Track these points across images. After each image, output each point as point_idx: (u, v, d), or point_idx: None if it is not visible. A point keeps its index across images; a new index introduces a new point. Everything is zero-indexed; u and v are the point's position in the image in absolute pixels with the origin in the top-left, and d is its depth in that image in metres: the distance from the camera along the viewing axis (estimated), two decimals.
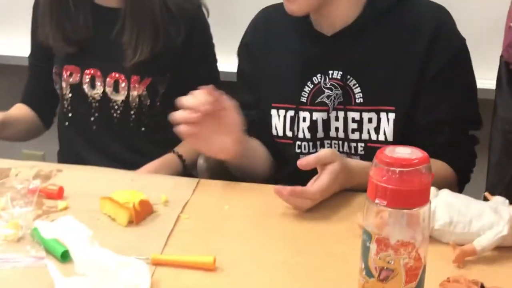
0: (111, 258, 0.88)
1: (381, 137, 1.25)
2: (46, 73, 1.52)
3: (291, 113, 1.33)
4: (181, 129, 1.11)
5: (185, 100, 1.11)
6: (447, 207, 1.02)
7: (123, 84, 1.46)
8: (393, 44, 1.25)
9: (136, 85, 1.44)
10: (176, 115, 1.11)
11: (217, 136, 1.15)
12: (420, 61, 1.23)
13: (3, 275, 0.93)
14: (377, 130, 1.25)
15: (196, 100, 1.10)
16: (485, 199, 1.07)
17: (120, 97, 1.46)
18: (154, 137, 1.50)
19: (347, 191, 1.21)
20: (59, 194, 1.18)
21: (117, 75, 1.44)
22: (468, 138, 1.28)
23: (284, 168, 1.37)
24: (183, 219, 1.12)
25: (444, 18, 1.26)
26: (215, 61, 1.57)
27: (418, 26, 1.24)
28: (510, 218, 0.98)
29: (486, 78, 1.51)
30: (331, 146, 1.33)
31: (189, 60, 1.46)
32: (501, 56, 1.32)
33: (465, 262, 0.96)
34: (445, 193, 1.07)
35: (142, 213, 1.10)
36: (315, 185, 1.07)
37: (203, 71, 1.48)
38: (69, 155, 1.52)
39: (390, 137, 1.25)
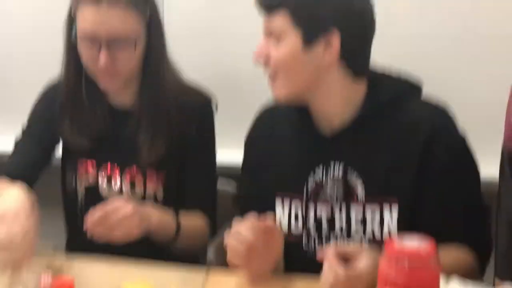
0: None
1: (385, 231, 1.20)
2: (42, 149, 1.45)
3: (295, 202, 1.30)
4: (230, 259, 1.11)
5: (238, 227, 1.11)
6: None
7: (138, 180, 1.42)
8: (391, 142, 1.22)
9: (152, 180, 1.41)
10: (229, 242, 1.11)
11: (259, 259, 1.13)
12: (419, 158, 1.19)
13: None
14: (381, 224, 1.21)
15: (248, 228, 1.10)
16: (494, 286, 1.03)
17: (136, 194, 1.42)
18: None
19: None
20: (69, 287, 1.16)
21: (133, 171, 1.42)
22: (480, 216, 1.22)
23: (290, 266, 1.30)
24: None
25: (441, 120, 1.23)
26: (215, 155, 1.52)
27: (416, 126, 1.21)
28: None
29: (487, 169, 1.52)
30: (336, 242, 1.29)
31: (193, 152, 1.44)
32: (503, 148, 1.32)
33: None
34: (455, 283, 1.00)
35: None
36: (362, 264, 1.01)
37: (204, 164, 1.45)
38: (79, 246, 1.43)
39: (394, 231, 1.20)
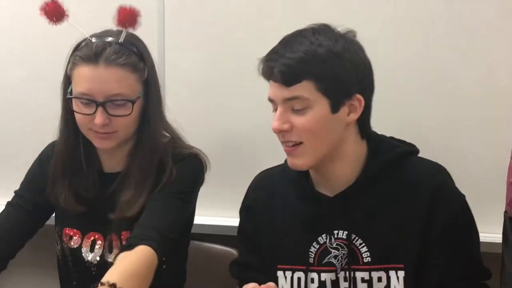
0: None
1: None
2: (27, 217, 1.40)
3: (298, 274, 1.26)
4: None
5: None
6: None
7: (114, 243, 1.35)
8: (394, 203, 1.21)
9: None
10: None
11: None
12: (422, 220, 1.19)
13: None
14: (387, 285, 1.18)
15: None
16: None
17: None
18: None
19: None
20: None
21: (113, 237, 1.36)
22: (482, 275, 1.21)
23: None
24: None
25: (442, 179, 1.24)
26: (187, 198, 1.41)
27: (417, 186, 1.21)
28: None
29: (491, 232, 1.46)
30: None
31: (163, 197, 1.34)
32: (505, 212, 1.30)
33: None
34: None
35: None
36: None
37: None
38: None
39: None
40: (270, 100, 1.19)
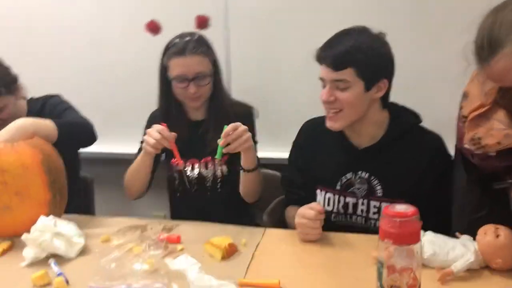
0: (213, 281, 1.12)
1: None
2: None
3: (329, 195, 1.55)
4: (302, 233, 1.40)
5: (305, 210, 1.39)
6: (431, 243, 1.22)
7: (209, 164, 1.82)
8: (404, 158, 1.45)
9: (220, 162, 1.79)
10: (300, 221, 1.39)
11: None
12: (422, 171, 1.44)
13: None
14: None
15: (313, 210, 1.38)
16: (455, 237, 1.27)
17: (209, 173, 1.82)
18: (234, 197, 1.79)
19: (364, 234, 1.44)
20: (177, 240, 1.46)
21: (207, 159, 1.81)
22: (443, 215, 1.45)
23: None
24: (257, 255, 1.37)
25: (439, 145, 1.48)
26: (255, 143, 1.85)
27: (422, 148, 1.46)
28: (475, 249, 1.19)
29: None
30: (356, 220, 1.53)
31: None
32: (456, 145, 1.51)
33: (446, 280, 1.17)
34: (429, 234, 1.27)
35: (230, 251, 1.35)
36: None
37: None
38: (180, 214, 1.84)
39: None
40: (321, 79, 1.44)
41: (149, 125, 1.84)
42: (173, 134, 1.59)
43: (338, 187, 1.53)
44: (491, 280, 1.17)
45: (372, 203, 1.48)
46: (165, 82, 1.76)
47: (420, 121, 1.52)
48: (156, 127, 1.56)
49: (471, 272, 1.18)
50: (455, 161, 1.51)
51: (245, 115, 1.82)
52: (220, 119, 1.73)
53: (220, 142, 1.50)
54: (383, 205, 1.46)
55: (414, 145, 1.46)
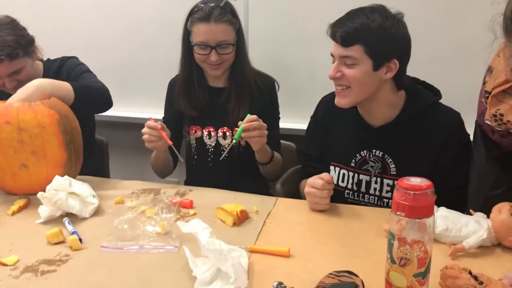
0: (224, 245, 1.11)
1: None
2: (176, 127, 1.84)
3: (344, 171, 1.55)
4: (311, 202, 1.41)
5: (316, 180, 1.40)
6: (444, 219, 1.22)
7: (227, 134, 1.81)
8: (420, 138, 1.43)
9: (236, 144, 1.76)
10: (310, 190, 1.39)
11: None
12: (438, 150, 1.43)
13: (157, 256, 1.19)
14: None
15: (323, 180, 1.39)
16: (470, 214, 1.26)
17: (227, 142, 1.82)
18: (248, 166, 1.80)
19: (375, 207, 1.44)
20: (190, 205, 1.47)
21: (224, 129, 1.81)
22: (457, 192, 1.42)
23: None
24: (268, 223, 1.37)
25: (457, 123, 1.46)
26: (279, 117, 1.90)
27: (440, 126, 1.43)
28: (488, 227, 1.18)
29: None
30: (369, 200, 1.53)
31: (266, 114, 1.75)
32: (476, 121, 1.48)
33: (457, 256, 1.16)
34: (443, 209, 1.26)
35: (242, 218, 1.36)
36: None
37: (271, 123, 1.76)
38: (194, 181, 1.85)
39: None
40: (331, 54, 1.43)
41: (169, 92, 1.87)
42: (159, 123, 1.58)
43: (352, 164, 1.53)
44: (502, 257, 1.15)
45: (386, 181, 1.48)
46: (187, 46, 1.75)
47: (439, 98, 1.49)
48: (149, 123, 1.56)
49: (483, 249, 1.17)
50: (475, 137, 1.49)
51: (268, 89, 1.81)
52: (242, 89, 1.74)
53: (242, 125, 1.50)
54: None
55: (431, 122, 1.44)
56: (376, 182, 1.50)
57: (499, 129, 1.30)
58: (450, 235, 1.19)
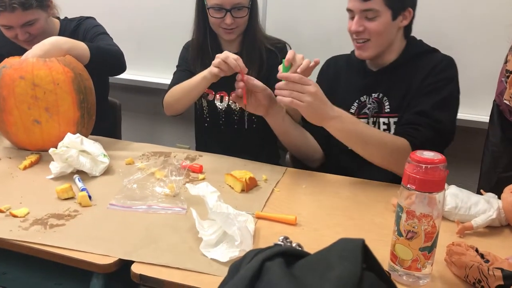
0: (231, 210, 1.12)
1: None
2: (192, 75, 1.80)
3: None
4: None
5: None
6: (454, 196, 1.21)
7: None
8: (414, 76, 1.47)
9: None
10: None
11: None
12: (420, 82, 1.45)
13: (164, 217, 1.20)
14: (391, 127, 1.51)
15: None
16: (480, 194, 1.25)
17: (238, 107, 1.81)
18: (258, 133, 1.81)
19: (385, 182, 1.43)
20: (200, 169, 1.47)
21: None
22: (429, 128, 1.38)
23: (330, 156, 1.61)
24: (276, 192, 1.38)
25: (443, 61, 1.46)
26: None
27: (432, 66, 1.46)
28: (498, 207, 1.17)
29: (482, 115, 1.74)
30: None
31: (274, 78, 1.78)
32: (494, 100, 1.49)
33: (465, 234, 1.15)
34: (453, 187, 1.25)
35: (250, 185, 1.36)
36: None
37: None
38: (205, 147, 1.87)
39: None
40: (349, 10, 1.46)
41: (184, 54, 1.85)
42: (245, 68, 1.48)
43: (352, 110, 1.57)
44: (510, 238, 1.14)
45: (381, 119, 1.53)
46: (202, 10, 1.73)
47: (435, 50, 1.53)
48: (232, 55, 1.44)
49: (491, 229, 1.17)
50: (491, 117, 1.48)
51: (280, 49, 1.79)
52: (252, 54, 1.72)
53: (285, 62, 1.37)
54: (391, 120, 1.51)
55: (426, 64, 1.47)
56: (374, 123, 1.54)
57: None
58: (459, 213, 1.18)
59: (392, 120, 1.51)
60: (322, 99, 1.30)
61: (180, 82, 1.71)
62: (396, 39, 1.50)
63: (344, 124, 1.34)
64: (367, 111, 1.55)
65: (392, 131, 1.50)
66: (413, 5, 1.48)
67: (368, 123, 1.54)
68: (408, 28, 1.51)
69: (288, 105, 1.30)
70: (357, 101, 1.57)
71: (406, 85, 1.48)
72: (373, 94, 1.54)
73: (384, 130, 1.51)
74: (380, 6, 1.41)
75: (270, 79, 1.59)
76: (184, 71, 1.83)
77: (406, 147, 1.35)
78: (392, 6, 1.42)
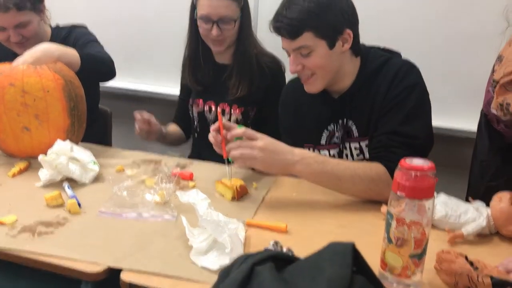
0: (221, 217, 1.11)
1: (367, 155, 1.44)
2: (187, 104, 1.91)
3: (316, 151, 1.53)
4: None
5: None
6: (444, 205, 1.21)
7: (225, 110, 1.82)
8: (376, 93, 1.40)
9: (235, 111, 1.80)
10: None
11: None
12: (383, 98, 1.38)
13: (154, 224, 1.19)
14: (366, 148, 1.46)
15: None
16: (469, 202, 1.26)
17: (225, 118, 1.81)
18: None
19: None
20: (190, 177, 1.47)
21: (224, 105, 1.82)
22: (403, 147, 1.31)
23: None
24: (266, 199, 1.37)
25: (406, 68, 1.37)
26: None
27: (388, 80, 1.38)
28: (487, 215, 1.18)
29: (470, 124, 1.73)
30: None
31: (268, 99, 1.78)
32: (482, 110, 1.48)
33: (455, 242, 1.15)
34: (442, 195, 1.26)
35: (241, 193, 1.36)
36: None
37: (275, 107, 1.75)
38: (196, 155, 1.89)
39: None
40: (284, 49, 1.39)
41: (184, 69, 1.89)
42: (145, 115, 1.63)
43: (323, 142, 1.52)
44: (500, 246, 1.15)
45: (352, 145, 1.47)
46: (194, 21, 1.75)
47: (393, 55, 1.45)
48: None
49: (481, 237, 1.17)
50: (479, 126, 1.48)
51: (273, 72, 1.79)
52: (243, 67, 1.73)
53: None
54: (362, 144, 1.45)
55: (383, 79, 1.39)
56: (345, 148, 1.48)
57: (504, 119, 1.29)
58: (449, 222, 1.19)
59: (363, 143, 1.45)
60: (274, 149, 1.24)
61: (179, 113, 1.94)
62: (344, 63, 1.40)
63: (311, 167, 1.27)
64: (336, 140, 1.50)
65: (367, 154, 1.44)
66: (351, 25, 1.36)
67: (339, 150, 1.50)
68: (355, 47, 1.40)
69: (243, 166, 1.27)
70: (325, 130, 1.51)
71: (369, 106, 1.40)
72: (339, 121, 1.47)
73: (358, 155, 1.47)
74: (311, 40, 1.32)
75: (262, 101, 1.64)
76: (183, 100, 1.95)
77: (383, 175, 1.29)
78: (325, 36, 1.32)
